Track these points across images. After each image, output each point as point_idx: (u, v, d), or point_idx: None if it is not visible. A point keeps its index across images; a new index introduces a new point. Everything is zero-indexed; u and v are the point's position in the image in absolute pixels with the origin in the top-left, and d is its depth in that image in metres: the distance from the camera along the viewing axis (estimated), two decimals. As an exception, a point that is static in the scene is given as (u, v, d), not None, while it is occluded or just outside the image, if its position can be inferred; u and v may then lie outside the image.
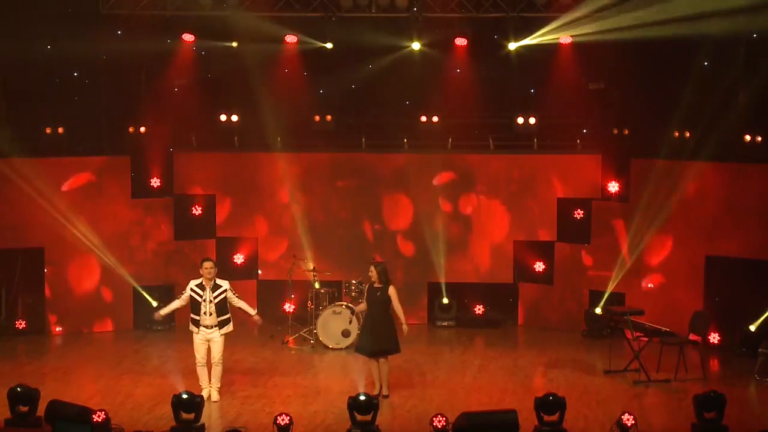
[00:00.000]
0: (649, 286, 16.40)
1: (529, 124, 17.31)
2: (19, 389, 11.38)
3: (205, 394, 12.80)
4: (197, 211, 17.69)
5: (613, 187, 16.92)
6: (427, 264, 17.47)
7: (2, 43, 15.46)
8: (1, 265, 16.54)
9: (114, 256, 16.70)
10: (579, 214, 17.19)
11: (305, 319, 16.34)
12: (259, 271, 17.70)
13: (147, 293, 16.93)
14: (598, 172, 17.10)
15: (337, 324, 15.75)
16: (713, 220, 15.79)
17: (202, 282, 12.95)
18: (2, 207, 16.27)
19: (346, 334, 15.71)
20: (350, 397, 11.29)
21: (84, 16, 16.20)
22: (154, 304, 16.88)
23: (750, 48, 15.54)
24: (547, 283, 17.44)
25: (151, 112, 17.16)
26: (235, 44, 17.07)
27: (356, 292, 15.92)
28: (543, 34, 16.47)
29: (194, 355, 13.14)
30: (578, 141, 17.35)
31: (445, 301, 17.48)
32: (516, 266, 17.61)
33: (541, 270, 17.50)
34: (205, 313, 12.90)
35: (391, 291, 13.16)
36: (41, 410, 11.26)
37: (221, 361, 13.06)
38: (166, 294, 16.98)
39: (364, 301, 13.46)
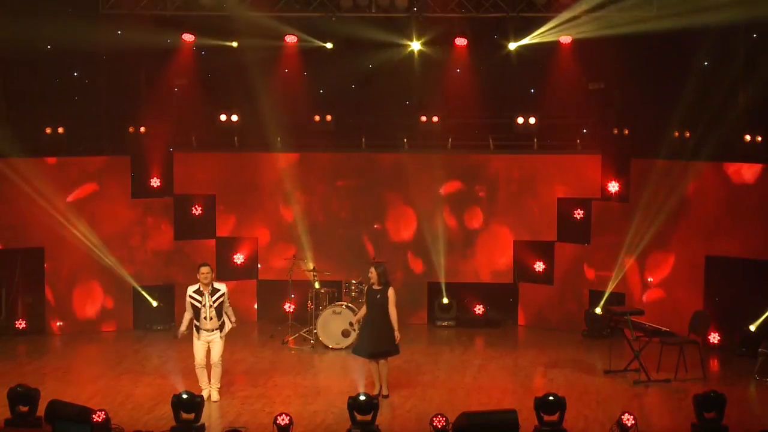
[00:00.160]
0: (649, 280, 16.39)
1: (529, 124, 17.30)
2: (19, 389, 11.39)
3: (205, 394, 12.80)
4: (197, 211, 17.68)
5: (613, 187, 16.92)
6: (427, 264, 17.47)
7: (2, 43, 15.46)
8: (1, 265, 16.55)
9: (114, 256, 16.70)
10: (579, 214, 17.19)
11: (305, 319, 16.34)
12: (259, 265, 17.68)
13: (147, 293, 16.93)
14: (598, 172, 17.09)
15: (337, 324, 15.75)
16: (713, 220, 15.78)
17: (199, 287, 12.94)
18: (2, 207, 16.27)
19: (346, 334, 15.71)
20: (350, 397, 11.30)
21: (84, 16, 16.20)
22: (154, 304, 16.92)
23: (750, 48, 15.54)
24: (547, 283, 17.44)
25: (151, 112, 17.17)
26: (235, 44, 17.07)
27: (356, 292, 15.93)
28: (543, 33, 16.47)
29: (194, 356, 13.13)
30: (578, 141, 17.35)
31: (445, 301, 17.48)
32: (516, 266, 17.60)
33: (541, 270, 17.50)
34: (205, 318, 12.90)
35: (390, 293, 13.15)
36: (41, 410, 11.26)
37: (221, 362, 13.06)
38: (166, 294, 17.03)
39: (364, 303, 13.45)
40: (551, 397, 11.13)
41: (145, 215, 17.23)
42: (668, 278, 16.27)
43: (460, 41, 17.16)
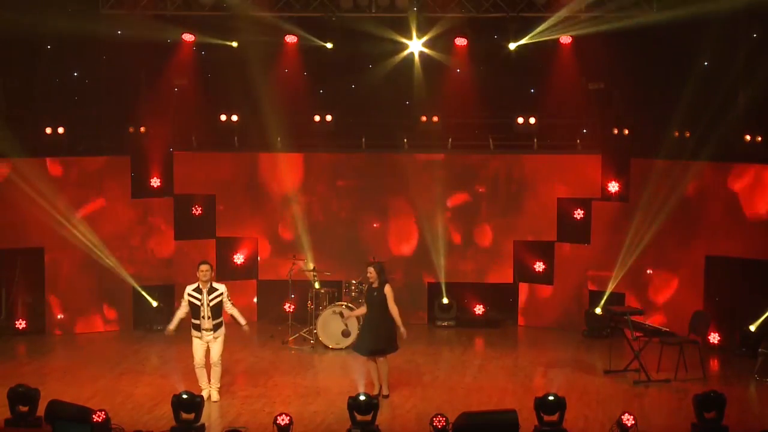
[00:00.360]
0: (648, 272, 16.37)
1: (529, 124, 17.30)
2: (19, 389, 11.39)
3: (205, 394, 12.80)
4: (197, 211, 17.69)
5: (613, 187, 16.92)
6: (428, 264, 17.47)
7: (2, 43, 15.46)
8: (1, 265, 16.55)
9: (114, 256, 16.70)
10: (579, 214, 17.19)
11: (305, 319, 16.34)
12: (258, 258, 17.66)
13: (147, 293, 16.93)
14: (598, 172, 17.10)
15: (337, 324, 15.75)
16: (713, 220, 15.78)
17: (198, 286, 12.95)
18: (2, 207, 16.27)
19: (346, 334, 15.71)
20: (350, 397, 11.30)
21: (84, 16, 16.20)
22: (154, 304, 16.92)
23: (750, 48, 15.54)
24: (547, 283, 17.44)
25: (151, 112, 17.17)
26: (235, 44, 17.07)
27: (356, 292, 15.93)
28: (542, 32, 16.47)
29: (193, 356, 13.13)
30: (578, 141, 17.35)
31: (445, 301, 17.48)
32: (516, 266, 17.60)
33: (541, 270, 17.50)
34: (203, 316, 12.90)
35: (387, 290, 13.15)
36: (41, 410, 11.26)
37: (220, 362, 13.06)
38: (166, 294, 17.02)
39: (364, 302, 13.46)
40: (551, 397, 11.13)
41: (145, 215, 17.23)
42: (668, 278, 16.26)
43: (460, 41, 17.15)
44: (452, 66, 17.35)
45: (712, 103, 15.25)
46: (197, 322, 12.95)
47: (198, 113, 17.41)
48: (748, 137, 15.72)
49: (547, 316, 17.41)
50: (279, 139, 17.25)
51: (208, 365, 13.07)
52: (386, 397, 13.14)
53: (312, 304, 16.23)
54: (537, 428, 11.19)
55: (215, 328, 12.94)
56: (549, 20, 16.26)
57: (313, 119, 17.66)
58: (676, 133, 16.22)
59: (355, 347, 13.61)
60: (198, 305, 12.89)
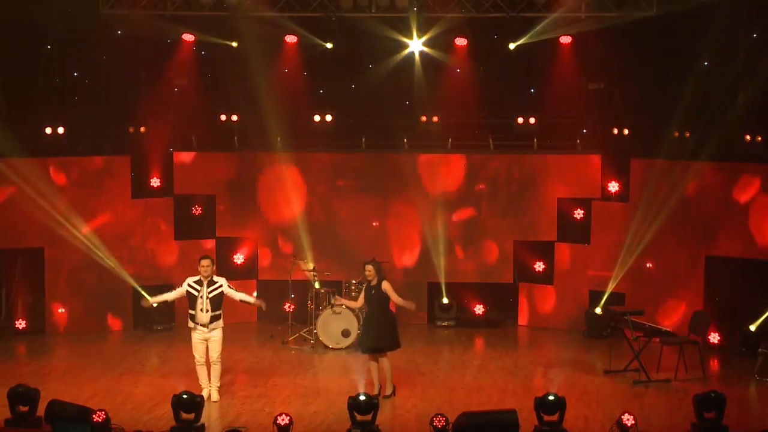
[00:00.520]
0: (648, 265, 16.35)
1: (529, 124, 17.30)
2: (19, 389, 11.38)
3: (205, 393, 12.81)
4: (197, 211, 17.68)
5: (613, 187, 16.92)
6: (428, 264, 17.47)
7: (2, 43, 15.45)
8: (1, 265, 16.55)
9: (114, 256, 16.69)
10: (579, 214, 17.19)
11: (305, 319, 16.33)
12: (256, 281, 17.70)
13: (147, 293, 16.86)
14: (598, 172, 17.10)
15: (337, 324, 15.75)
16: (713, 220, 15.78)
17: (200, 278, 12.98)
18: (2, 207, 16.26)
19: (346, 334, 15.71)
20: (350, 397, 11.29)
21: (84, 16, 16.20)
22: (154, 304, 16.87)
23: (750, 48, 15.54)
24: (547, 283, 17.44)
25: (151, 112, 17.16)
26: (235, 44, 17.07)
27: (356, 292, 15.92)
28: (541, 31, 16.49)
29: (193, 355, 13.13)
30: (578, 141, 17.35)
31: (445, 301, 17.48)
32: (516, 266, 17.60)
33: (541, 270, 17.50)
34: (201, 309, 12.90)
35: (386, 286, 13.15)
36: (41, 410, 11.26)
37: (220, 360, 13.06)
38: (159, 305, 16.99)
39: (363, 300, 13.45)
40: (551, 397, 11.12)
41: (145, 215, 17.23)
42: (668, 278, 16.26)
43: (460, 41, 17.15)
44: (452, 66, 17.35)
45: (712, 103, 15.25)
46: (192, 312, 12.93)
47: (198, 113, 17.40)
48: (748, 137, 15.72)
49: (547, 316, 17.41)
50: (279, 139, 17.23)
51: (208, 363, 13.06)
52: (387, 397, 13.12)
53: (312, 304, 16.23)
54: (537, 428, 11.19)
55: (212, 320, 12.92)
56: (548, 20, 16.27)
57: (313, 119, 17.66)
58: (676, 133, 16.23)
59: (358, 344, 13.59)
60: (195, 296, 12.90)
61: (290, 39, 17.19)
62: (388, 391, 13.22)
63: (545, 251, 17.42)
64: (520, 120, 17.30)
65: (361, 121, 17.64)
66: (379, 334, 13.17)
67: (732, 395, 12.02)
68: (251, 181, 17.62)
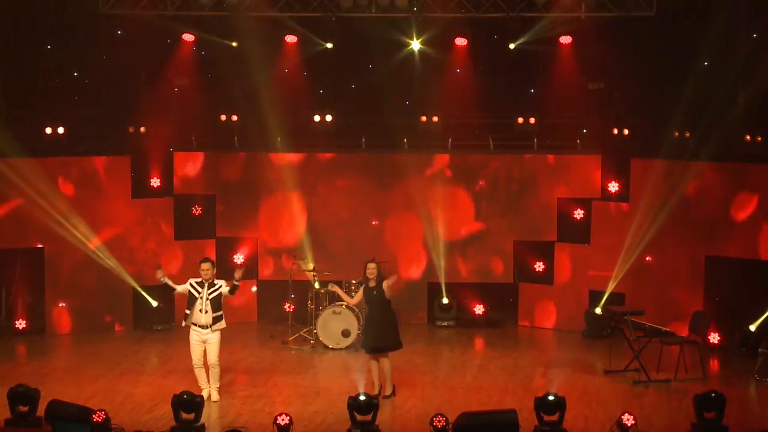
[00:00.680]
0: (647, 259, 16.35)
1: (529, 124, 17.31)
2: (19, 389, 11.38)
3: (205, 394, 12.80)
4: (197, 211, 17.68)
5: (613, 187, 16.92)
6: (427, 264, 17.47)
7: (2, 44, 15.45)
8: (1, 265, 16.54)
9: (114, 256, 16.69)
10: (579, 214, 17.19)
11: (305, 319, 16.33)
12: (254, 289, 17.67)
13: (147, 293, 16.92)
14: (598, 172, 17.10)
15: (337, 324, 15.75)
16: (713, 220, 15.79)
17: (201, 280, 12.99)
18: (2, 207, 16.26)
19: (346, 334, 15.71)
20: (350, 397, 11.29)
21: (84, 16, 16.19)
22: (154, 304, 16.91)
23: (750, 48, 15.55)
24: (547, 283, 17.44)
25: (151, 112, 17.16)
26: (235, 44, 17.07)
27: (356, 292, 15.89)
28: (541, 32, 16.51)
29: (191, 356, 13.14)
30: (578, 141, 17.35)
31: (445, 301, 17.48)
32: (516, 266, 17.60)
33: (541, 270, 17.50)
34: (200, 310, 12.91)
35: (386, 285, 13.16)
36: (41, 410, 11.25)
37: (218, 363, 13.04)
38: (166, 294, 16.96)
39: (364, 301, 13.43)
40: (551, 397, 11.12)
41: (145, 215, 17.23)
42: (668, 278, 16.26)
43: (460, 41, 17.16)
44: (452, 66, 17.34)
45: (712, 103, 15.26)
46: (188, 312, 12.93)
47: (198, 113, 17.40)
48: (748, 137, 15.72)
49: (547, 316, 17.41)
50: (279, 139, 17.24)
51: (206, 365, 13.06)
52: (387, 397, 13.12)
53: (312, 304, 16.23)
54: (537, 428, 11.18)
55: (214, 321, 12.93)
56: (548, 20, 16.29)
57: (313, 119, 17.67)
58: (676, 133, 16.24)
59: (363, 346, 13.58)
60: (196, 297, 12.92)
61: (290, 39, 17.19)
62: (388, 391, 13.22)
63: (545, 251, 17.42)
64: (520, 120, 17.31)
65: (361, 121, 17.64)
66: (381, 334, 13.17)
67: (732, 395, 12.02)
68: (251, 181, 17.62)
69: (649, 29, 15.89)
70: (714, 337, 15.66)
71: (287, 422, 10.78)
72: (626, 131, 17.02)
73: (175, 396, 11.38)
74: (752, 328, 15.13)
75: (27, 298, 16.72)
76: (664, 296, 16.20)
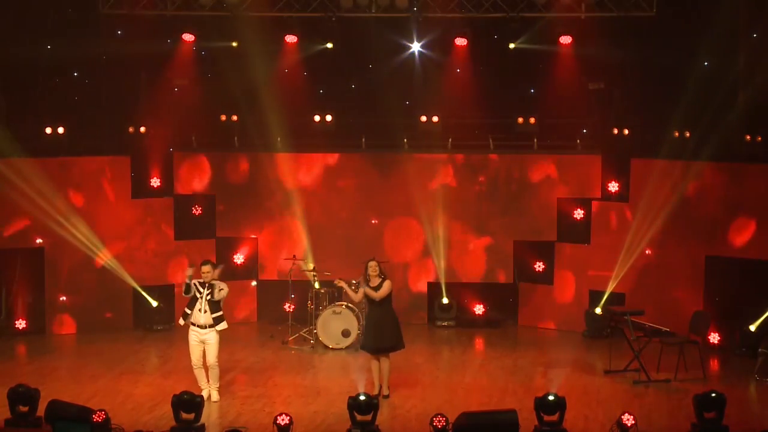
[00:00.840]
0: (647, 252, 16.34)
1: (529, 124, 17.31)
2: (19, 389, 11.38)
3: (204, 394, 12.80)
4: (197, 211, 17.68)
5: (613, 187, 16.92)
6: (428, 264, 17.47)
7: (2, 44, 15.45)
8: (1, 265, 16.54)
9: (114, 256, 16.70)
10: (579, 214, 17.19)
11: (305, 319, 16.33)
12: (254, 283, 17.70)
13: (147, 293, 16.92)
14: (598, 172, 17.10)
15: (337, 324, 15.75)
16: (713, 220, 15.79)
17: (203, 281, 13.02)
18: (2, 207, 16.26)
19: (346, 334, 15.71)
20: (350, 397, 11.29)
21: (84, 16, 16.19)
22: (154, 304, 16.91)
23: (750, 48, 15.54)
24: (547, 283, 17.44)
25: (151, 112, 17.17)
26: (235, 44, 17.06)
27: (356, 292, 15.88)
28: (542, 33, 16.51)
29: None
30: (578, 141, 17.35)
31: (445, 301, 17.48)
32: (516, 266, 17.60)
33: (541, 270, 17.50)
34: (200, 310, 12.92)
35: (387, 283, 13.16)
36: (41, 410, 11.26)
37: (217, 364, 13.04)
38: (166, 294, 17.01)
39: (365, 300, 13.41)
40: (551, 397, 11.12)
41: (145, 215, 17.23)
42: (668, 278, 16.26)
43: (460, 41, 17.16)
44: (452, 66, 17.34)
45: (712, 103, 15.26)
46: (188, 311, 12.95)
47: (198, 113, 17.39)
48: (748, 137, 15.72)
49: (547, 316, 17.40)
50: (279, 139, 17.24)
51: (205, 366, 13.05)
52: (386, 397, 13.13)
53: (312, 304, 16.23)
54: (537, 428, 11.18)
55: (215, 321, 12.93)
56: (549, 20, 16.30)
57: (313, 119, 17.67)
58: (676, 133, 16.24)
59: (362, 346, 13.55)
60: (197, 297, 12.94)
61: (290, 39, 17.19)
62: (386, 392, 13.21)
63: (545, 251, 17.42)
64: (520, 120, 17.31)
65: (361, 121, 17.64)
66: (383, 334, 13.15)
67: (732, 395, 12.00)
68: (251, 181, 17.62)
69: (649, 29, 15.88)
70: (714, 337, 15.66)
71: (287, 422, 10.78)
72: (626, 131, 17.02)
73: (175, 396, 11.38)
74: (752, 328, 15.14)
75: (27, 298, 16.72)
76: (664, 296, 16.19)
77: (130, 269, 16.84)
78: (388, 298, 13.17)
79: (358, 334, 15.42)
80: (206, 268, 13.00)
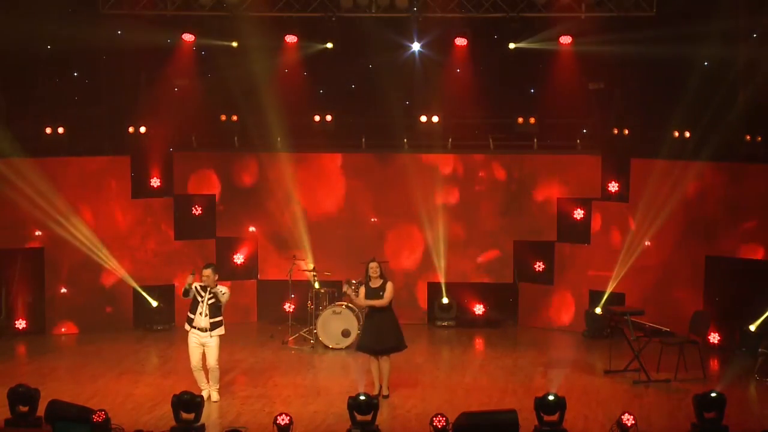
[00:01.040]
0: (647, 243, 16.34)
1: (529, 124, 17.31)
2: (19, 389, 11.38)
3: (204, 394, 12.80)
4: (197, 211, 17.68)
5: (613, 187, 16.92)
6: (428, 264, 17.47)
7: (2, 43, 15.46)
8: (1, 265, 16.55)
9: (114, 256, 16.70)
10: (579, 214, 17.19)
11: (305, 319, 16.33)
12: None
13: (147, 293, 16.92)
14: (598, 172, 17.10)
15: (337, 324, 15.76)
16: (713, 220, 15.79)
17: (204, 285, 13.00)
18: (2, 207, 16.26)
19: (346, 334, 15.71)
20: (350, 397, 11.28)
21: (84, 16, 16.20)
22: (154, 304, 16.91)
23: (750, 48, 15.54)
24: (547, 283, 17.44)
25: (151, 112, 17.17)
26: (235, 44, 17.07)
27: (356, 292, 15.88)
28: (542, 36, 16.50)
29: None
30: (578, 141, 17.35)
31: (445, 301, 17.48)
32: (516, 266, 17.60)
33: (541, 270, 17.50)
34: (200, 313, 12.91)
35: (389, 286, 13.15)
36: (41, 410, 11.26)
37: (217, 366, 13.03)
38: (166, 294, 17.02)
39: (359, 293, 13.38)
40: (551, 397, 11.12)
41: (145, 215, 17.23)
42: (668, 278, 16.26)
43: (460, 41, 17.16)
44: (452, 66, 17.34)
45: (712, 103, 15.25)
46: (192, 316, 12.95)
47: (198, 113, 17.39)
48: (748, 137, 15.72)
49: (547, 316, 17.41)
50: (279, 139, 17.24)
51: (204, 367, 13.05)
52: (386, 397, 13.12)
53: (312, 304, 16.23)
54: (537, 428, 11.18)
55: (213, 327, 12.92)
56: (549, 21, 16.29)
57: (313, 119, 17.68)
58: (676, 133, 16.24)
59: (359, 347, 13.52)
60: (198, 300, 12.93)
61: (290, 39, 17.19)
62: (386, 392, 13.21)
63: (545, 251, 17.42)
64: (520, 120, 17.32)
65: (361, 121, 17.64)
66: (383, 335, 13.13)
67: (732, 395, 12.00)
68: (251, 181, 17.62)
69: (649, 29, 15.87)
70: (714, 337, 15.66)
71: (287, 422, 10.78)
72: (626, 131, 17.02)
73: (175, 396, 11.38)
74: (752, 328, 15.14)
75: (27, 298, 16.72)
76: (664, 296, 16.19)
77: (130, 269, 16.84)
78: (389, 299, 13.15)
79: (358, 334, 15.42)
80: (207, 272, 12.98)
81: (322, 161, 17.71)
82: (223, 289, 12.96)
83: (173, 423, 11.39)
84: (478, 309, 17.53)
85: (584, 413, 12.51)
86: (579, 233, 17.18)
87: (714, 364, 15.12)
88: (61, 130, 16.81)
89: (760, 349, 14.32)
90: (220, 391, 13.16)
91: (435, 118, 17.55)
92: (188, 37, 17.06)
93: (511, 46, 16.80)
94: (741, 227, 15.56)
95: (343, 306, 15.72)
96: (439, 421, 10.70)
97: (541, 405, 11.14)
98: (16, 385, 11.43)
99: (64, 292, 16.70)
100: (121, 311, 17.05)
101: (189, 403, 11.32)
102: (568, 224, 17.26)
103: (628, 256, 16.34)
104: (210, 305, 12.90)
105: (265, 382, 13.98)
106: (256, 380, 14.06)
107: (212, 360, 12.97)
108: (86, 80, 17.14)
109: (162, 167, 17.46)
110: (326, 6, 16.35)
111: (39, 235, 16.45)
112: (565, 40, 16.68)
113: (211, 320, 12.92)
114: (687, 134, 16.15)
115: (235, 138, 17.70)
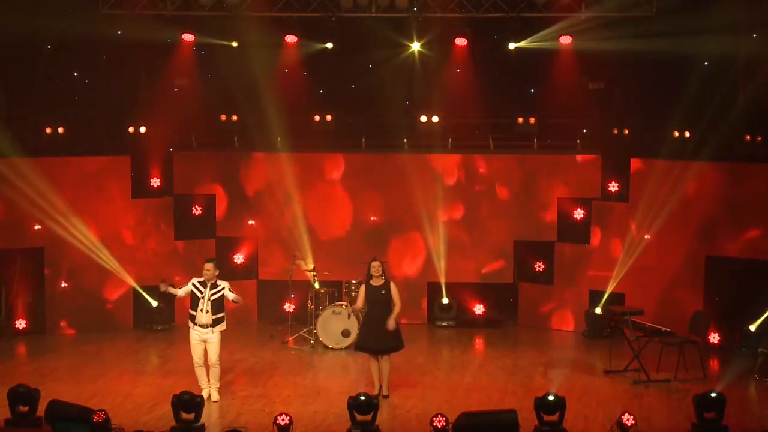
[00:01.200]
0: (646, 237, 16.32)
1: (529, 124, 17.31)
2: (19, 389, 11.38)
3: (204, 394, 12.81)
4: (197, 211, 17.69)
5: (613, 187, 16.92)
6: (428, 264, 17.47)
7: (2, 43, 15.45)
8: (1, 265, 16.55)
9: (114, 256, 16.70)
10: (579, 214, 17.19)
11: (305, 319, 16.33)
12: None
13: (147, 293, 16.92)
14: (598, 172, 17.10)
15: (337, 324, 15.76)
16: (713, 220, 15.79)
17: (204, 280, 13.00)
18: (2, 207, 16.26)
19: (346, 334, 15.71)
20: (350, 397, 11.28)
21: (84, 16, 16.20)
22: (154, 304, 16.91)
23: (750, 48, 15.54)
24: (547, 283, 17.44)
25: (151, 112, 17.17)
26: (235, 44, 17.07)
27: (356, 292, 15.90)
28: (543, 36, 16.50)
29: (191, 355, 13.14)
30: (578, 141, 17.35)
31: (445, 301, 17.48)
32: (516, 266, 17.60)
33: (541, 270, 17.50)
34: (201, 310, 12.92)
35: (394, 287, 13.15)
36: (41, 410, 11.26)
37: (219, 362, 13.06)
38: (166, 294, 16.98)
39: (364, 300, 13.37)
40: (551, 397, 11.12)
41: (145, 215, 17.23)
42: (668, 278, 16.26)
43: (460, 41, 17.15)
44: (452, 66, 17.34)
45: (712, 103, 15.26)
46: (194, 313, 12.96)
47: (198, 113, 17.39)
48: (748, 137, 15.72)
49: (547, 316, 17.41)
50: (279, 139, 17.24)
51: (206, 364, 13.06)
52: (386, 397, 13.12)
53: (312, 304, 16.23)
54: (537, 428, 11.18)
55: (215, 323, 12.94)
56: (549, 21, 16.29)
57: (313, 119, 17.68)
58: (676, 133, 16.24)
59: (358, 346, 13.53)
60: (199, 297, 12.93)
61: (290, 39, 17.19)
62: (386, 392, 13.21)
63: (545, 251, 17.42)
64: (520, 120, 17.32)
65: (361, 121, 17.64)
66: (383, 335, 13.12)
67: (732, 395, 12.01)
68: (251, 181, 17.62)
69: (649, 29, 15.87)
70: (714, 337, 15.66)
71: (287, 422, 10.78)
72: (626, 131, 17.02)
73: (175, 396, 11.38)
74: (752, 328, 15.15)
75: (27, 298, 16.72)
76: (664, 296, 16.20)
77: (130, 269, 16.84)
78: (390, 299, 13.14)
79: (358, 334, 15.41)
80: (208, 266, 12.99)
81: (322, 161, 17.70)
82: (231, 295, 12.97)
83: (173, 423, 11.39)
84: (478, 309, 17.53)
85: (584, 413, 12.52)
86: (579, 233, 17.18)
87: (714, 364, 15.13)
88: (61, 130, 16.81)
89: (760, 349, 14.33)
90: (220, 391, 13.16)
91: (435, 118, 17.56)
92: (188, 37, 17.05)
93: (511, 46, 16.80)
94: (741, 227, 15.56)
95: (343, 306, 15.71)
96: (439, 421, 10.69)
97: (541, 405, 11.14)
98: (16, 385, 11.43)
99: (64, 286, 16.67)
100: (120, 311, 17.05)
101: (189, 403, 11.32)
102: (568, 224, 17.26)
103: (628, 256, 16.35)
104: (212, 301, 12.90)
105: (265, 382, 13.98)
106: (256, 380, 14.06)
107: (214, 356, 12.98)
108: (86, 80, 17.14)
109: (162, 167, 17.46)
110: (326, 6, 16.34)
111: (39, 236, 16.44)
112: (565, 40, 16.67)
113: (214, 316, 12.93)
114: (687, 134, 16.15)
115: (235, 138, 17.70)
